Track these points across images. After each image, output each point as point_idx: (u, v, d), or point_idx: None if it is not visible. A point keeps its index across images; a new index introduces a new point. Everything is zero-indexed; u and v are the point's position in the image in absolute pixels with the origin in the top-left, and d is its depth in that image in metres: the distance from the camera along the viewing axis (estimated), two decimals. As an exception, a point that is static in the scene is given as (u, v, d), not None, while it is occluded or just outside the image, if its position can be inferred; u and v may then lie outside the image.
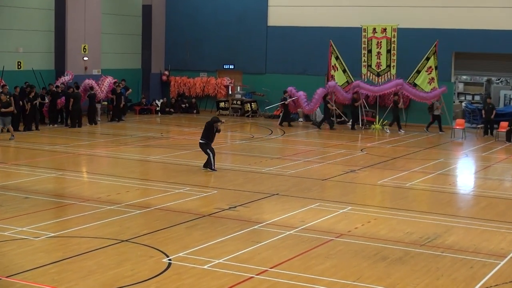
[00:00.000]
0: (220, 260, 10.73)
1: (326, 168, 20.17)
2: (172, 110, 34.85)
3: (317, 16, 33.35)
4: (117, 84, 30.67)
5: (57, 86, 28.53)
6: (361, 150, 23.58)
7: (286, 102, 30.54)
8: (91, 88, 29.13)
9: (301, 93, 30.51)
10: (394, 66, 29.73)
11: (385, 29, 29.76)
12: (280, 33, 34.27)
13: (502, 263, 11.08)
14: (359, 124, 29.69)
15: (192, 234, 12.27)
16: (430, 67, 29.53)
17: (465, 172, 20.84)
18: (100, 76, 31.14)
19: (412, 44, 30.80)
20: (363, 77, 30.33)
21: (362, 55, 30.25)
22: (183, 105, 35.39)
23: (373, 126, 29.88)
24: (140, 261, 10.64)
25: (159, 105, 34.91)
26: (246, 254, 11.14)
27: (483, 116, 28.64)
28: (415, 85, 29.71)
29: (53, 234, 11.99)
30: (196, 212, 13.84)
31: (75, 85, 28.75)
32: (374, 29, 29.96)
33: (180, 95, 36.12)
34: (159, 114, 34.43)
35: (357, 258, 11.11)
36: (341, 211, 14.37)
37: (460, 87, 36.40)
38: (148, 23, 36.00)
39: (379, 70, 30.02)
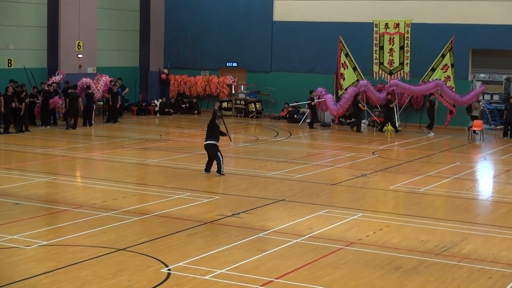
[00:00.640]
0: (223, 270, 10.73)
1: (335, 172, 20.15)
2: (171, 110, 34.88)
3: (326, 10, 33.37)
4: (113, 83, 30.71)
5: (49, 85, 28.58)
6: (373, 153, 23.57)
7: (312, 103, 30.33)
8: (88, 87, 29.18)
9: (329, 95, 30.23)
10: (407, 63, 29.73)
11: (398, 24, 29.76)
12: (286, 29, 34.29)
13: (523, 273, 11.08)
14: (395, 126, 29.14)
15: (193, 242, 12.28)
16: (446, 64, 29.52)
17: (483, 177, 20.81)
18: (95, 74, 31.19)
19: (427, 40, 30.80)
20: (374, 75, 30.32)
21: (374, 52, 30.25)
22: (183, 106, 35.42)
23: (385, 127, 29.85)
24: (138, 271, 10.65)
25: (158, 105, 34.95)
26: (250, 264, 11.14)
27: (504, 116, 28.60)
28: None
29: (45, 243, 12.00)
30: (197, 219, 13.85)
31: (71, 85, 28.78)
32: (386, 24, 29.97)
33: (180, 94, 36.16)
34: (158, 115, 34.47)
35: (368, 268, 11.10)
36: (351, 218, 14.37)
37: (478, 85, 36.32)
38: (147, 18, 36.06)
39: (392, 68, 30.01)
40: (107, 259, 11.22)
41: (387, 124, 29.65)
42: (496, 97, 37.02)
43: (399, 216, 14.71)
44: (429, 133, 28.79)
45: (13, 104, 26.01)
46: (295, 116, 32.39)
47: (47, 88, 28.27)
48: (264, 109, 34.49)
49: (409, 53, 29.68)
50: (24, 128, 26.48)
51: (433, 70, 29.64)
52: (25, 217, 13.71)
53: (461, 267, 11.33)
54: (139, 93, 35.54)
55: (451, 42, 29.44)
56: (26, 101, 26.73)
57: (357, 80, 30.80)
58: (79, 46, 31.84)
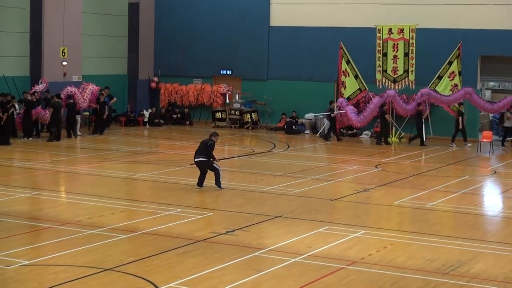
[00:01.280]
0: (216, 292, 10.70)
1: (336, 186, 20.13)
2: (162, 121, 34.89)
3: (326, 15, 33.46)
4: (100, 92, 30.70)
5: (32, 94, 28.56)
6: (376, 166, 23.57)
7: (332, 114, 30.26)
8: (70, 96, 29.08)
9: (350, 107, 30.02)
10: (412, 71, 29.77)
11: (402, 30, 29.83)
12: (284, 34, 34.36)
13: (536, 294, 11.05)
14: (422, 139, 28.94)
15: (185, 261, 12.25)
16: (453, 72, 29.59)
17: (493, 191, 20.81)
18: (80, 83, 31.17)
19: (433, 47, 30.88)
20: (377, 83, 30.36)
21: (377, 59, 30.30)
22: (175, 116, 35.43)
23: (389, 139, 29.87)
24: (125, 292, 10.62)
25: (147, 116, 34.94)
26: (246, 285, 11.10)
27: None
28: (436, 92, 29.72)
29: (27, 262, 11.96)
30: (189, 237, 13.82)
31: (54, 94, 28.76)
32: (390, 29, 30.04)
33: (171, 104, 36.18)
34: (147, 126, 34.46)
35: (371, 289, 11.09)
36: (353, 235, 14.35)
37: (487, 94, 36.40)
38: (135, 23, 36.11)
39: (396, 76, 30.06)
40: (92, 280, 11.18)
41: (390, 136, 29.68)
42: (506, 107, 37.04)
43: (404, 234, 14.69)
44: (453, 145, 28.71)
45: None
46: (293, 127, 32.41)
47: (29, 98, 28.21)
48: (261, 120, 34.50)
49: (414, 60, 29.72)
50: (4, 141, 26.27)
51: (440, 78, 29.71)
52: (5, 235, 13.66)
53: (470, 287, 11.30)
54: (127, 103, 35.54)
55: (459, 48, 29.52)
56: (10, 111, 26.68)
57: (359, 89, 30.86)
58: (63, 53, 31.85)
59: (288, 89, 34.19)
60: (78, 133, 29.64)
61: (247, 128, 33.95)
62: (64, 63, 31.88)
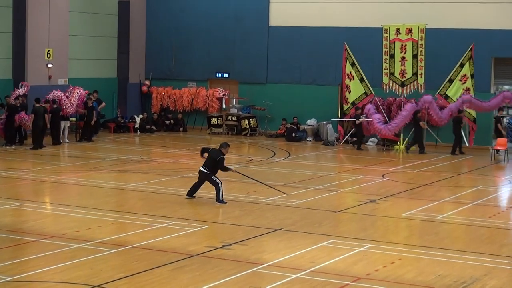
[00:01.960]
0: (212, 310, 10.70)
1: (340, 197, 20.13)
2: (154, 127, 34.89)
3: (329, 14, 33.51)
4: (88, 96, 30.69)
5: (16, 98, 28.52)
6: (382, 176, 23.58)
7: (357, 121, 30.09)
8: (54, 101, 28.98)
9: (377, 115, 29.84)
10: (422, 74, 29.80)
11: (410, 30, 29.87)
12: (284, 35, 34.40)
13: (554, 312, 11.05)
14: (461, 149, 28.93)
15: (178, 277, 12.23)
16: (465, 75, 29.63)
17: (508, 202, 20.80)
18: (67, 86, 31.17)
19: (444, 48, 30.92)
20: (384, 87, 30.38)
21: (383, 61, 30.33)
22: (167, 122, 35.44)
23: (396, 146, 29.88)
24: (115, 311, 10.60)
25: (138, 121, 34.95)
26: (243, 302, 11.10)
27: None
28: (446, 96, 29.78)
29: (9, 278, 11.94)
30: (183, 251, 13.81)
31: (35, 98, 28.71)
32: (398, 29, 30.08)
33: (164, 109, 36.19)
34: (138, 132, 34.46)
35: (378, 307, 11.08)
36: (359, 249, 14.34)
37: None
38: (126, 22, 36.14)
39: (404, 79, 30.08)
40: (80, 297, 11.16)
41: (397, 143, 29.69)
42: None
43: (413, 248, 14.68)
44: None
45: None
46: (294, 134, 32.42)
47: (13, 102, 28.18)
48: (259, 126, 34.52)
49: (423, 62, 29.75)
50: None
51: (451, 81, 29.75)
52: (-14, 250, 13.65)
53: (484, 305, 11.31)
54: (117, 108, 35.54)
55: (471, 49, 29.56)
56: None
57: (365, 93, 30.88)
58: (48, 55, 31.86)
59: (289, 93, 34.21)
60: (66, 140, 29.62)
61: (245, 135, 33.96)
62: (49, 65, 31.88)
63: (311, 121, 33.16)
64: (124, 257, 13.46)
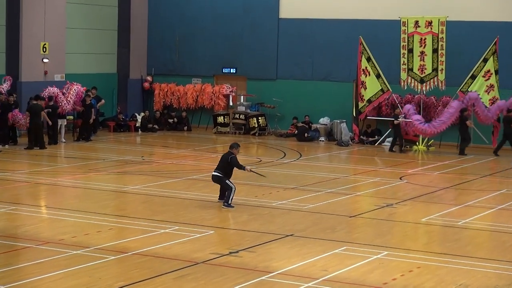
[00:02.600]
0: (218, 321, 10.70)
1: (355, 201, 20.11)
2: (156, 126, 34.93)
3: (343, 6, 33.50)
4: (86, 93, 30.75)
5: (11, 95, 28.55)
6: (400, 178, 23.55)
7: (395, 122, 29.78)
8: (50, 98, 29.00)
9: (416, 116, 29.58)
10: (442, 69, 29.77)
11: (430, 23, 29.83)
12: (295, 28, 34.40)
13: None
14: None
15: (182, 286, 12.24)
16: (489, 71, 29.56)
17: (535, 207, 20.76)
18: (64, 82, 31.22)
19: (466, 42, 30.87)
20: (402, 83, 30.34)
21: (401, 55, 30.31)
22: (171, 121, 35.47)
23: (415, 147, 29.83)
24: (114, 321, 10.62)
25: (140, 120, 34.99)
26: (251, 313, 11.11)
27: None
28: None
29: (2, 287, 11.96)
30: (187, 259, 13.81)
31: (32, 95, 28.77)
32: (417, 22, 30.04)
33: (167, 107, 36.22)
34: (140, 131, 34.51)
35: (395, 319, 11.08)
36: (375, 257, 14.33)
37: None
38: (126, 14, 36.21)
39: (423, 76, 30.05)
40: (77, 307, 11.18)
41: (416, 143, 29.65)
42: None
43: (432, 255, 14.66)
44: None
45: None
46: (306, 133, 32.41)
47: (6, 100, 28.15)
48: (269, 125, 34.52)
49: (444, 57, 29.72)
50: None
51: (473, 77, 29.69)
52: (-22, 256, 13.68)
53: (508, 317, 11.29)
54: (117, 106, 35.60)
55: (495, 43, 29.50)
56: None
57: (382, 90, 30.83)
58: (44, 49, 31.93)
59: (300, 90, 34.21)
60: (63, 139, 29.68)
61: (254, 134, 33.96)
62: (45, 60, 31.95)
63: (324, 120, 33.13)
64: (124, 265, 13.47)
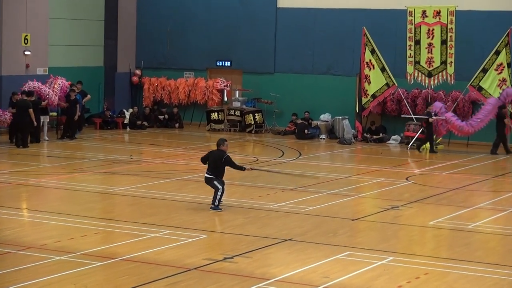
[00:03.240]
0: (212, 331, 10.71)
1: (358, 203, 20.12)
2: (145, 123, 34.90)
3: (346, -6, 33.52)
4: (70, 88, 30.71)
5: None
6: (406, 179, 23.56)
7: (430, 119, 29.51)
8: (30, 93, 28.78)
9: (450, 113, 29.52)
10: (451, 62, 29.77)
11: (439, 12, 29.85)
12: (294, 18, 34.38)
13: None
14: None
15: (173, 294, 12.25)
16: (501, 64, 29.57)
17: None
18: (47, 76, 31.18)
19: (476, 33, 30.86)
20: (408, 77, 30.35)
21: (408, 47, 30.31)
22: (161, 117, 35.45)
23: (423, 146, 29.86)
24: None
25: (128, 116, 34.97)
26: (247, 323, 11.12)
27: None
28: (480, 88, 29.72)
29: (-19, 295, 11.98)
30: (178, 265, 13.82)
31: (17, 90, 28.67)
32: (424, 11, 30.06)
33: (157, 103, 36.20)
34: (128, 129, 34.49)
35: (401, 329, 11.10)
36: (379, 263, 14.34)
37: None
38: (114, 4, 36.15)
39: (431, 69, 30.06)
40: (61, 316, 11.18)
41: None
42: None
43: (441, 261, 14.68)
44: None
45: None
46: (306, 130, 32.42)
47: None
48: (266, 122, 34.51)
49: (453, 49, 29.72)
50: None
51: (485, 71, 29.67)
52: (-45, 262, 13.68)
53: (522, 327, 11.31)
54: (103, 101, 35.57)
55: (508, 35, 29.52)
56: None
57: (387, 84, 30.83)
58: (26, 41, 31.89)
59: (300, 84, 34.20)
60: (45, 137, 29.64)
61: (250, 132, 33.95)
62: (27, 52, 31.90)
63: (325, 116, 33.13)
64: (112, 271, 13.47)
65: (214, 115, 34.77)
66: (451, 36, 29.72)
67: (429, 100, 30.43)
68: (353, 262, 14.32)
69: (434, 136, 29.70)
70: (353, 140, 31.47)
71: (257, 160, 26.48)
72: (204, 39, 35.85)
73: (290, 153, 28.56)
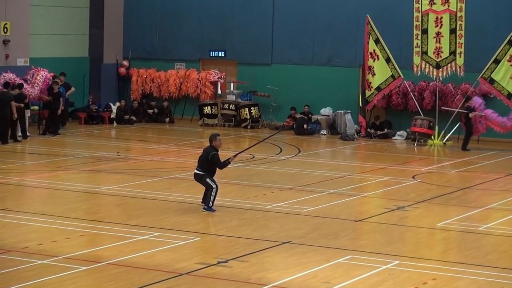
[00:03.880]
0: None
1: (361, 203, 20.13)
2: (133, 118, 34.91)
3: (348, -20, 33.53)
4: (53, 80, 30.70)
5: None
6: (413, 177, 23.58)
7: (470, 115, 29.34)
8: (6, 85, 28.69)
9: (489, 110, 29.57)
10: (461, 53, 29.79)
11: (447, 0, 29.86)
12: (293, 5, 34.39)
13: None
14: None
15: (164, 301, 12.27)
16: (514, 54, 29.63)
17: None
18: (28, 68, 31.18)
19: (488, 22, 30.88)
20: (415, 69, 30.36)
21: (414, 37, 30.32)
22: (150, 111, 35.46)
23: (430, 141, 29.88)
24: None
25: (115, 111, 34.97)
26: (243, 331, 11.13)
27: None
28: (492, 81, 29.73)
29: (-43, 302, 11.98)
30: (169, 269, 13.83)
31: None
32: (432, -1, 30.09)
33: (146, 96, 36.21)
34: (115, 124, 34.49)
35: (407, 337, 11.11)
36: (384, 267, 14.36)
37: None
38: (99, -10, 36.18)
39: (439, 60, 30.07)
40: (43, 324, 11.19)
41: (432, 137, 29.73)
42: None
43: (450, 265, 14.70)
44: None
45: None
46: (305, 125, 32.43)
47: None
48: (263, 116, 34.53)
49: (463, 38, 29.74)
50: None
51: (497, 62, 29.68)
52: None
53: (536, 335, 11.33)
54: (88, 94, 35.57)
55: (521, 23, 29.59)
56: None
57: (392, 76, 30.83)
58: (5, 29, 31.88)
59: (299, 76, 34.21)
60: (27, 133, 29.62)
61: (245, 127, 33.97)
62: (7, 41, 31.88)
63: (326, 111, 33.15)
64: (98, 276, 13.47)
65: (207, 109, 34.77)
66: (460, 24, 29.73)
67: (436, 94, 30.40)
68: (356, 267, 14.33)
69: (436, 131, 29.75)
70: (355, 136, 31.49)
71: (253, 157, 26.48)
72: (196, 27, 35.85)
73: (289, 149, 28.56)
